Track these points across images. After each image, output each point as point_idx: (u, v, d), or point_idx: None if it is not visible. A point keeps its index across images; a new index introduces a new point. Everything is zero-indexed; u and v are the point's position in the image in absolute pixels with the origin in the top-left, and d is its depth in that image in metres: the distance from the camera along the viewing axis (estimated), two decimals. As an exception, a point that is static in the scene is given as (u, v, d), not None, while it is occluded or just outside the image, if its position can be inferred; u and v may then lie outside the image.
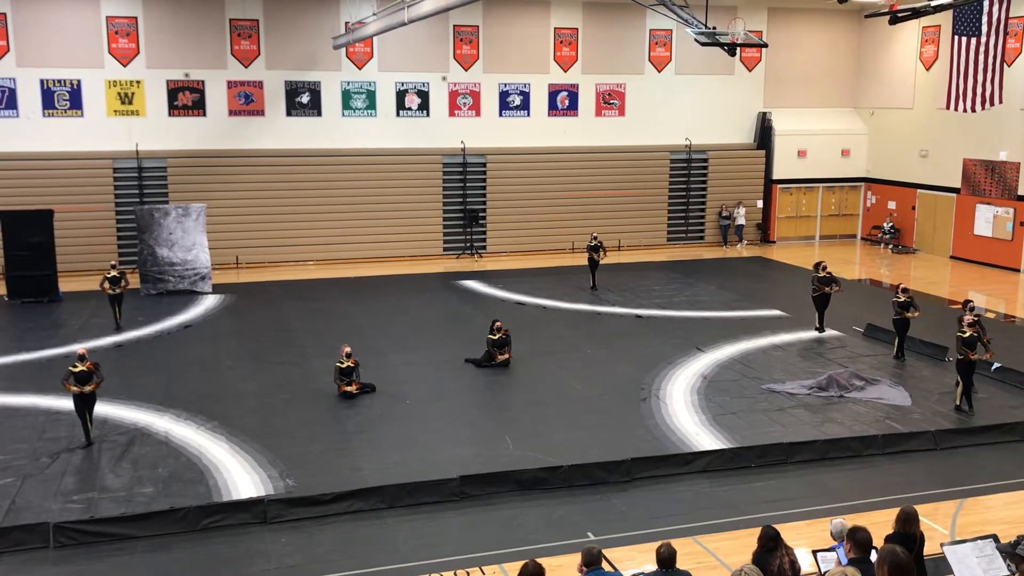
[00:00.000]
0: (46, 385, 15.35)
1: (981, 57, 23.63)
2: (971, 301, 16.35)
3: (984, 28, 23.32)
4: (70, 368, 13.04)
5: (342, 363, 15.17)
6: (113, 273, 19.51)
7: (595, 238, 23.70)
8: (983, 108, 24.16)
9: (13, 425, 13.83)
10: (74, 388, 12.87)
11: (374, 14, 22.40)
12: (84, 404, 12.97)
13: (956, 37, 24.23)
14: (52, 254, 22.24)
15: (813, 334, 19.08)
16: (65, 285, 22.88)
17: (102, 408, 13.77)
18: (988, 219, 27.15)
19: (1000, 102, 24.04)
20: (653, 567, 7.70)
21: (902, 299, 17.06)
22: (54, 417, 14.07)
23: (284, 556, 10.06)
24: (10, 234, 22.03)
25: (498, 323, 17.12)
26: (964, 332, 14.32)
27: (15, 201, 23.79)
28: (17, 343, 18.44)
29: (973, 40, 23.71)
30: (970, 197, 27.74)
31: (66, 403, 13.65)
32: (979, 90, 23.85)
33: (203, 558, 10.04)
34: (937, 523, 10.68)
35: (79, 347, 14.62)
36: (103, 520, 10.57)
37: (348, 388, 15.05)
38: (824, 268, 19.07)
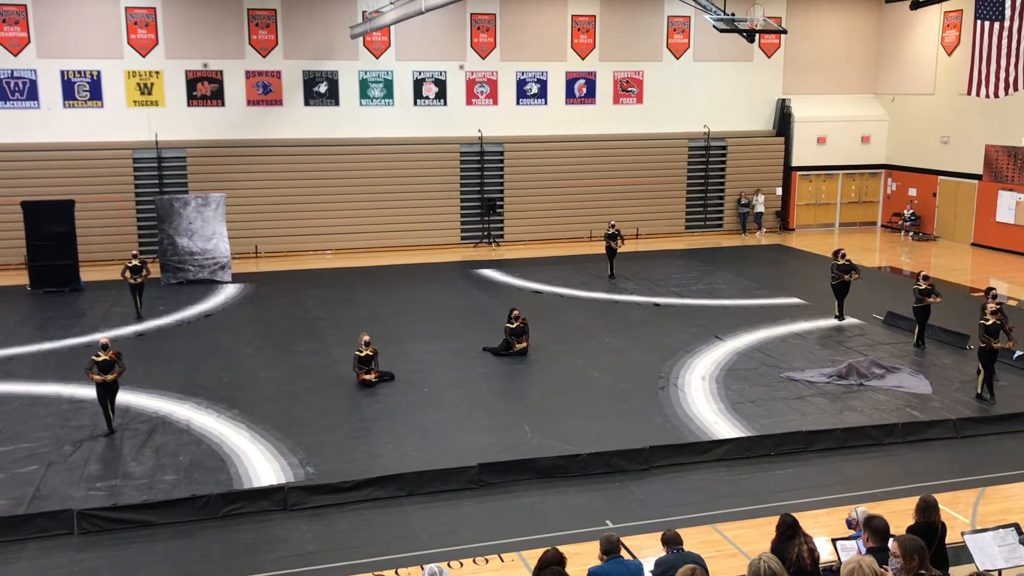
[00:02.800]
0: (69, 374, 15.52)
1: (1004, 42, 23.32)
2: (994, 289, 16.21)
3: (1008, 12, 23.00)
4: (92, 358, 13.18)
5: (361, 351, 15.23)
6: (134, 262, 19.66)
7: (613, 226, 23.64)
8: (1006, 93, 23.86)
9: (37, 413, 13.99)
10: (97, 377, 13.00)
11: (391, 3, 22.38)
12: (106, 392, 13.10)
13: (979, 22, 23.92)
14: (73, 244, 22.47)
15: (833, 322, 18.98)
16: (86, 275, 23.10)
17: (124, 396, 13.91)
18: (1010, 206, 26.87)
19: (1024, 87, 23.77)
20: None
21: (923, 286, 16.94)
22: (77, 405, 14.23)
23: (304, 543, 10.14)
24: (32, 224, 22.25)
25: (516, 311, 17.13)
26: (987, 320, 14.20)
27: (37, 192, 24.03)
28: (40, 332, 18.63)
29: (996, 25, 23.40)
30: (992, 183, 27.45)
31: (89, 391, 13.80)
32: (1002, 75, 23.55)
33: (224, 545, 10.14)
34: (958, 512, 10.63)
35: (101, 336, 14.78)
36: (126, 507, 10.69)
37: (367, 376, 15.12)
38: (844, 256, 18.94)
